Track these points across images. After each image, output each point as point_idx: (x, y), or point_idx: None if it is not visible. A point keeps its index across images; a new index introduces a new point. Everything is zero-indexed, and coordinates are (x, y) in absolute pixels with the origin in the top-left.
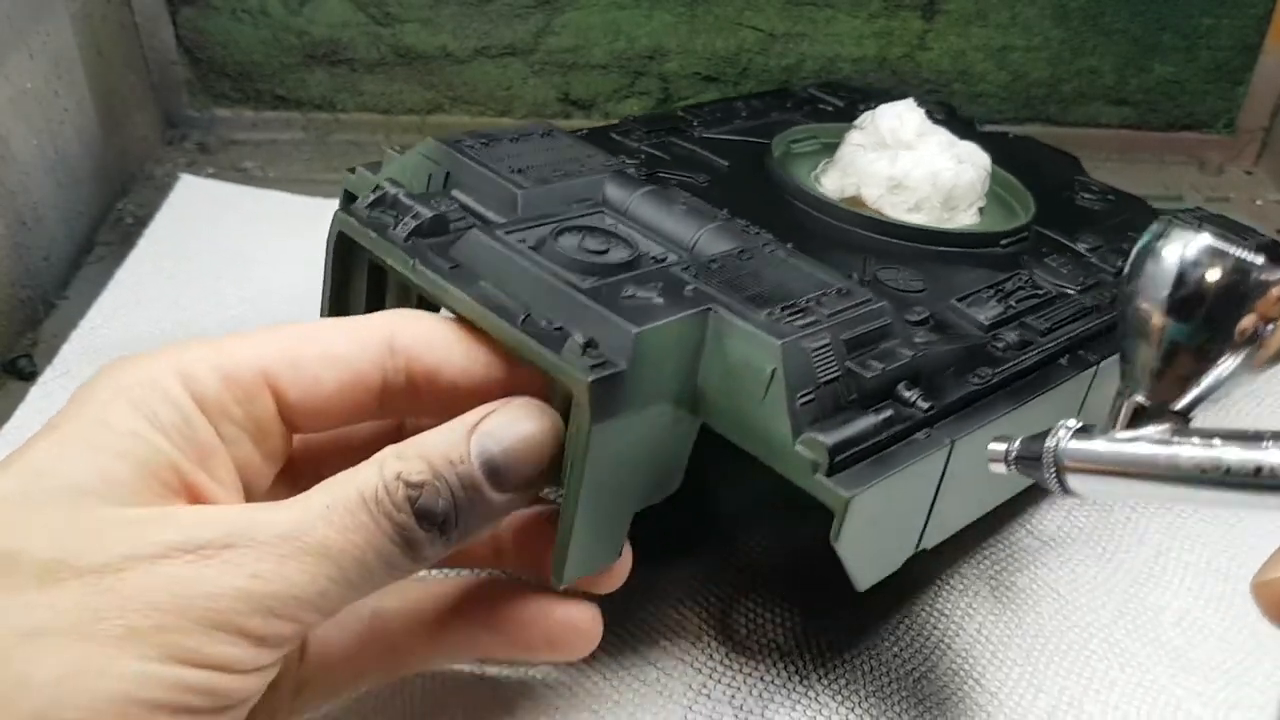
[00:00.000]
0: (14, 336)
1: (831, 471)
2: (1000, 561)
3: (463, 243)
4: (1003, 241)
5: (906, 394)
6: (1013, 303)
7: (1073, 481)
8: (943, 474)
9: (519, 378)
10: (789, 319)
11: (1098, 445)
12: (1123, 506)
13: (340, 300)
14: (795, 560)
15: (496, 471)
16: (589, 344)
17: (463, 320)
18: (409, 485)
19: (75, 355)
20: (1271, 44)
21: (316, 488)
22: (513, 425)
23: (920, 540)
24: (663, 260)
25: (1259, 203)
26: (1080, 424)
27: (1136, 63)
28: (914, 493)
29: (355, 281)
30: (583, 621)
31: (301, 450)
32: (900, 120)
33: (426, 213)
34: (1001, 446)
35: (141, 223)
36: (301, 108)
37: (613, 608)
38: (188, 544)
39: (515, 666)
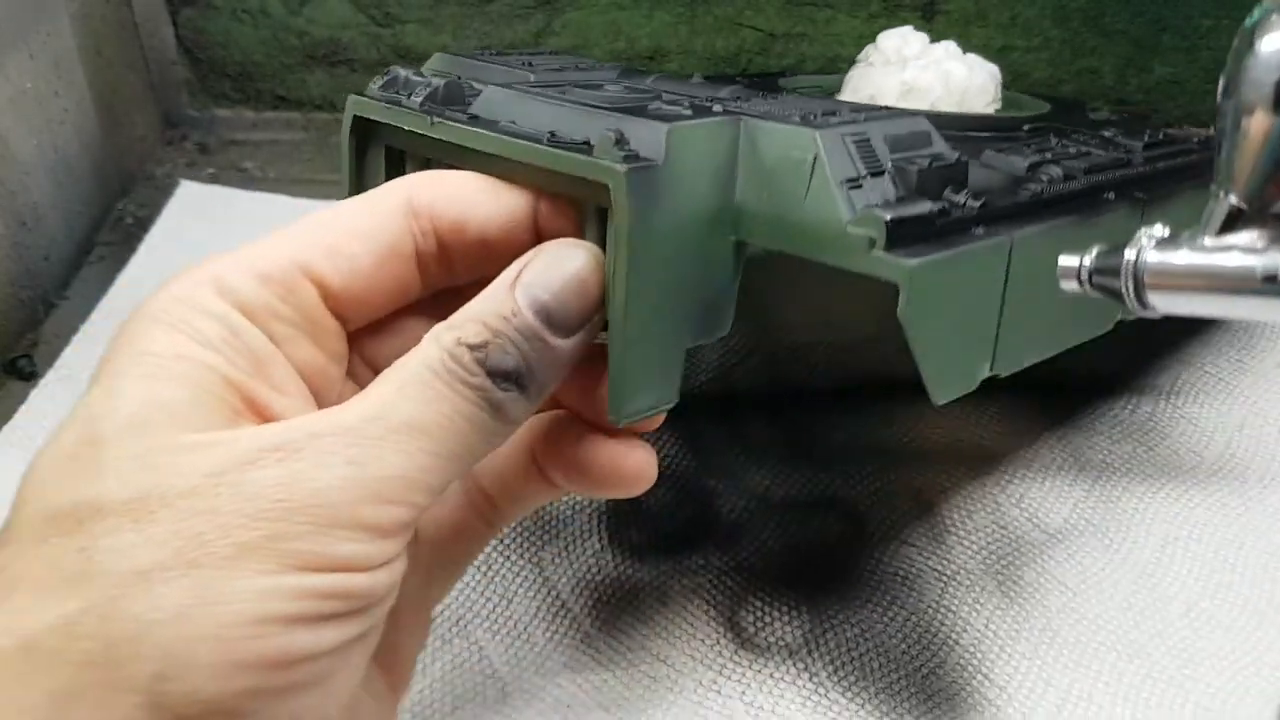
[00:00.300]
0: (14, 337)
1: (890, 247)
2: (1006, 555)
3: (480, 100)
4: (1025, 126)
5: (955, 197)
6: (1048, 155)
7: (1154, 298)
8: (1006, 277)
9: (549, 220)
10: (825, 119)
11: (1185, 255)
12: (1129, 497)
13: (360, 192)
14: (799, 559)
15: (551, 317)
16: (620, 139)
17: (483, 174)
18: (471, 347)
19: (78, 360)
20: None
21: (379, 379)
22: (554, 267)
23: (994, 359)
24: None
25: None
26: (1166, 232)
27: (1136, 63)
28: (979, 287)
29: (372, 169)
30: (633, 465)
31: (363, 355)
32: (904, 39)
33: (439, 82)
34: (1074, 261)
35: (141, 223)
36: (302, 108)
37: (622, 606)
38: (272, 444)
39: (520, 666)
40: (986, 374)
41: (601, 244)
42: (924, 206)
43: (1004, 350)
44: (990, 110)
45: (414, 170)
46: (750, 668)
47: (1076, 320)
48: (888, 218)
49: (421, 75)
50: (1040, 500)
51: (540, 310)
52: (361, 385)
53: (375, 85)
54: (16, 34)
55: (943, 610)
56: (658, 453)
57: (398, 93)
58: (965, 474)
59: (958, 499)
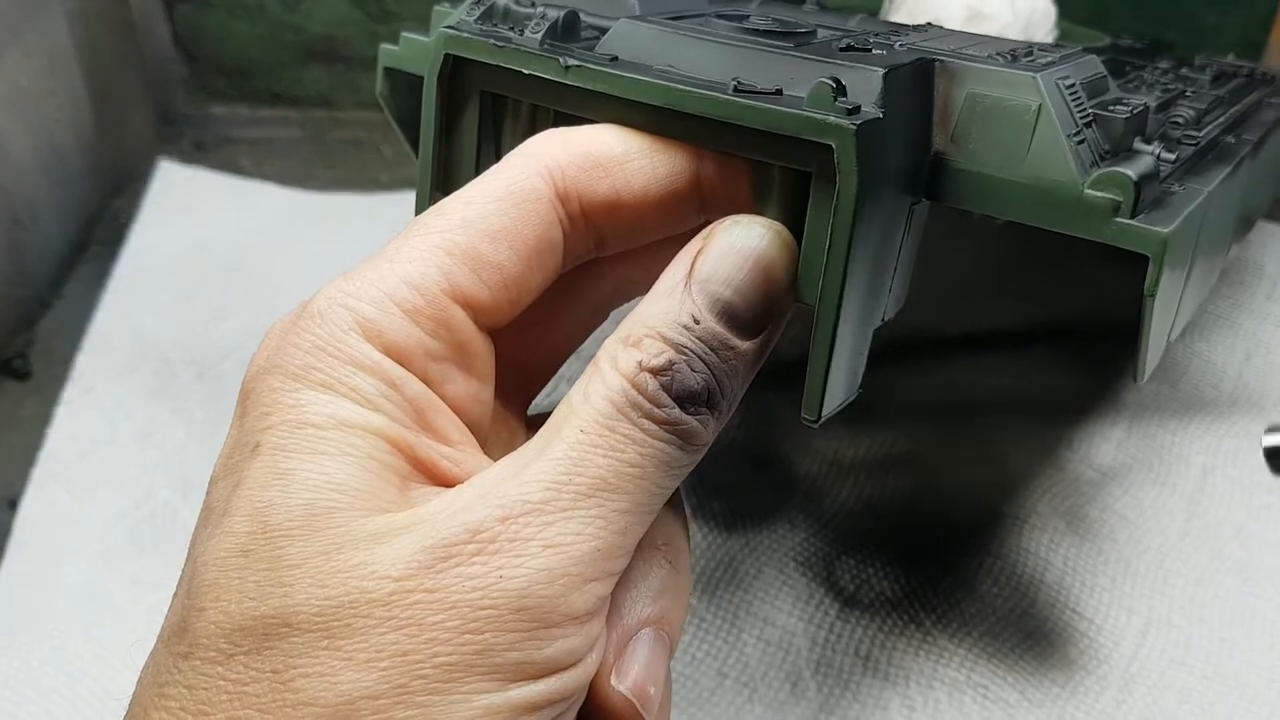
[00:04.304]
0: (9, 336)
1: (1135, 212)
2: (1069, 496)
3: (610, 38)
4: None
5: (1146, 147)
6: (1159, 92)
7: None
8: (1199, 232)
9: (715, 184)
10: (1026, 60)
11: None
12: (1164, 433)
13: (449, 149)
14: (881, 516)
15: (737, 317)
16: (839, 89)
17: (623, 127)
18: (656, 372)
19: (92, 367)
20: (1276, 41)
21: (554, 419)
22: (733, 255)
23: (1174, 322)
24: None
25: None
26: None
27: None
28: (1189, 249)
29: (463, 121)
30: None
31: (499, 351)
32: None
33: (554, 12)
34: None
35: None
36: (298, 105)
37: (720, 576)
38: (461, 536)
39: None
40: (1165, 343)
41: (789, 215)
42: (1146, 163)
43: (1183, 307)
44: (1049, 39)
45: (520, 122)
46: (858, 624)
47: (1207, 279)
48: (1135, 176)
49: (523, 2)
50: (1088, 442)
51: (724, 311)
52: (504, 391)
53: (466, 15)
54: (12, 31)
55: (1023, 552)
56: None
57: (496, 24)
58: (1018, 422)
59: (1015, 446)
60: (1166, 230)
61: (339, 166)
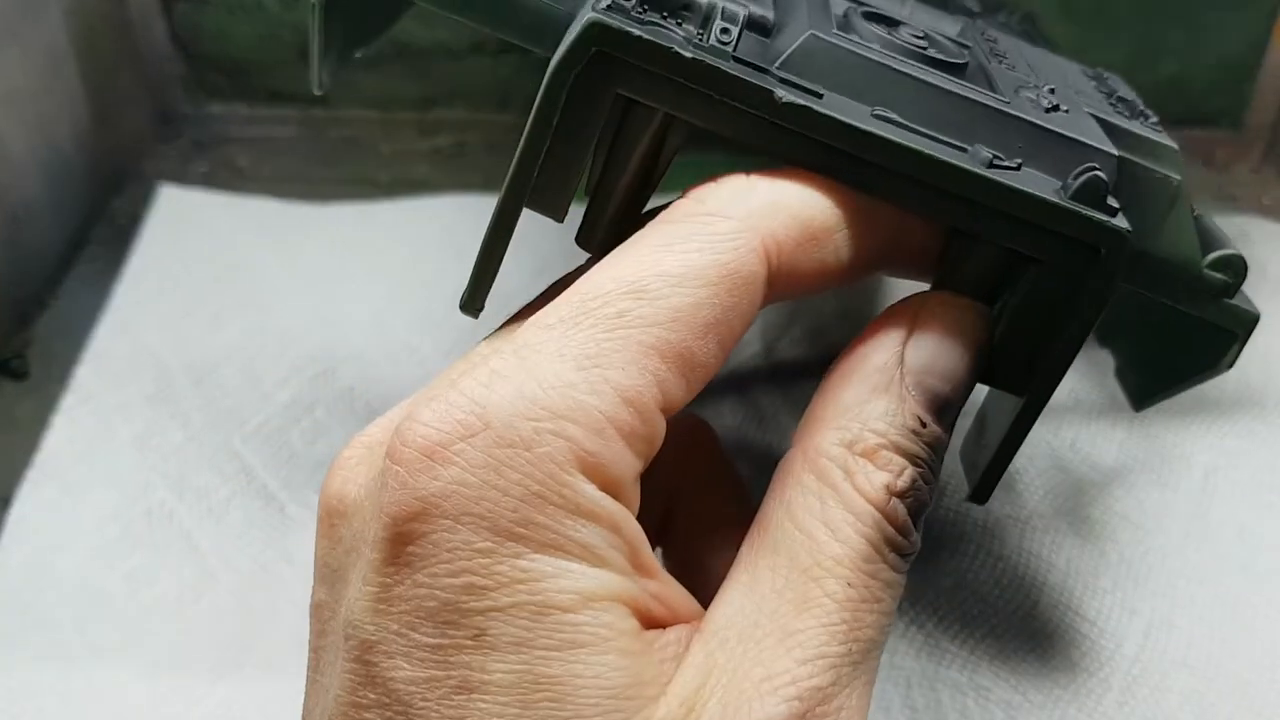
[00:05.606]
0: (6, 337)
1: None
2: (1071, 497)
3: (799, 58)
4: None
5: None
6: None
7: None
8: None
9: (911, 249)
10: (1141, 120)
11: None
12: (1167, 433)
13: (559, 165)
14: None
15: (949, 412)
16: (1108, 185)
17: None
18: (903, 495)
19: (97, 381)
20: (1277, 41)
21: (784, 545)
22: (951, 345)
23: None
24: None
25: (1266, 200)
26: None
27: (1142, 59)
28: None
29: (576, 122)
30: None
31: None
32: None
33: (738, 9)
34: None
35: (135, 220)
36: (296, 104)
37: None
38: None
39: None
40: None
41: (981, 288)
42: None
43: None
44: None
45: (647, 135)
46: None
47: None
48: (1243, 258)
49: None
50: (1090, 443)
51: (940, 408)
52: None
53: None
54: (8, 30)
55: (1025, 554)
56: (721, 423)
57: (645, 9)
58: None
59: None
60: (1258, 312)
61: (337, 165)
